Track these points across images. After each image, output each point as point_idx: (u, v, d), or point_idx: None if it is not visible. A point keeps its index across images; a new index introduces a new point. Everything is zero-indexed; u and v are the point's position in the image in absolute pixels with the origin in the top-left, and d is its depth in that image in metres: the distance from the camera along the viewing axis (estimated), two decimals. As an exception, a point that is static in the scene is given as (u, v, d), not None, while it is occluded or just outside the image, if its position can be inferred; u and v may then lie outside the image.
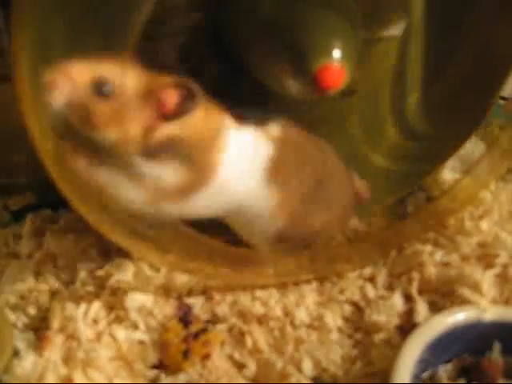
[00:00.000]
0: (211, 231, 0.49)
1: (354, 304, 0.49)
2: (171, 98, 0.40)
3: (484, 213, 0.54)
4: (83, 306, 0.48)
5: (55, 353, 0.45)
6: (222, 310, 0.48)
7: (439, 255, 0.50)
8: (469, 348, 0.42)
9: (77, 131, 0.40)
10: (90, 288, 0.49)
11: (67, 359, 0.45)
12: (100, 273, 0.50)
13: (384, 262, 0.51)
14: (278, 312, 0.48)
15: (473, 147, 0.58)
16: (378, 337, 0.45)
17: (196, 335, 0.46)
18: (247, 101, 0.45)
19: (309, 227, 0.49)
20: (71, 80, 0.39)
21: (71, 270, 0.51)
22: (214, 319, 0.48)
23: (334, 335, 0.46)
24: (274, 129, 0.46)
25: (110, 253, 0.52)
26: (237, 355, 0.46)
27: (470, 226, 0.53)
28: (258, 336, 0.46)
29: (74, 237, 0.54)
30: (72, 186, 0.41)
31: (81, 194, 0.41)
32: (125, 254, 0.49)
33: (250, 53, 0.48)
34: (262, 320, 0.48)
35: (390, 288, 0.49)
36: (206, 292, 0.50)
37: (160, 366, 0.45)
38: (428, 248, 0.51)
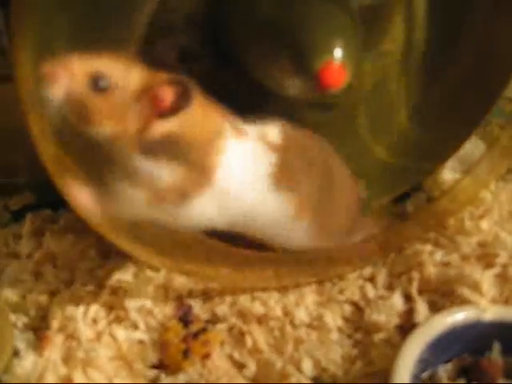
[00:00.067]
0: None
1: (354, 304, 0.49)
2: (167, 94, 0.40)
3: (484, 213, 0.54)
4: (83, 306, 0.48)
5: (55, 353, 0.45)
6: (222, 309, 0.48)
7: (439, 255, 0.50)
8: (469, 348, 0.42)
9: (77, 133, 0.40)
10: (90, 288, 0.49)
11: (67, 359, 0.45)
12: (100, 273, 0.50)
13: (384, 262, 0.51)
14: (278, 312, 0.48)
15: (473, 147, 0.58)
16: (378, 337, 0.45)
17: (196, 335, 0.46)
18: (246, 101, 0.45)
19: (337, 226, 0.50)
20: (70, 73, 0.39)
21: (71, 270, 0.51)
22: (214, 319, 0.48)
23: (334, 335, 0.46)
24: (274, 134, 0.45)
25: (109, 253, 0.52)
26: (237, 355, 0.46)
27: (470, 226, 0.53)
28: (258, 336, 0.46)
29: (73, 237, 0.54)
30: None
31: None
32: (125, 254, 0.49)
33: (250, 53, 0.48)
34: (261, 320, 0.48)
35: (390, 288, 0.49)
36: (206, 292, 0.50)
37: (160, 365, 0.45)
38: (428, 248, 0.51)
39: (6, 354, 0.44)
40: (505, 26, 0.53)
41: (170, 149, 0.41)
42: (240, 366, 0.45)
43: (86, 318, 0.47)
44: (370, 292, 0.49)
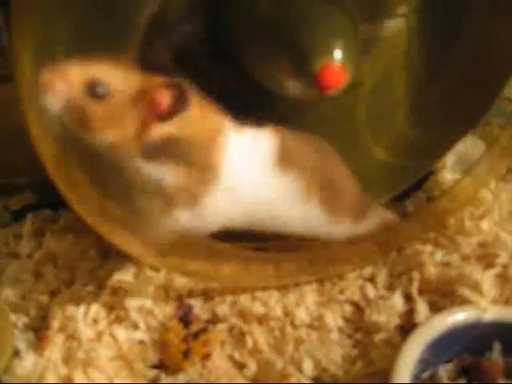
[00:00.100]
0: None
1: (354, 304, 0.49)
2: (164, 98, 0.40)
3: (484, 213, 0.54)
4: (83, 306, 0.48)
5: (55, 353, 0.45)
6: (222, 309, 0.48)
7: (439, 255, 0.50)
8: (469, 348, 0.42)
9: (79, 142, 0.40)
10: (91, 288, 0.49)
11: (67, 359, 0.45)
12: (100, 273, 0.50)
13: (384, 262, 0.51)
14: (278, 312, 0.48)
15: (473, 147, 0.58)
16: (378, 337, 0.45)
17: (196, 335, 0.46)
18: (246, 101, 0.45)
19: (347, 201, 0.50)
20: (67, 82, 0.39)
21: (71, 270, 0.51)
22: (215, 319, 0.48)
23: (334, 335, 0.46)
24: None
25: (109, 253, 0.52)
26: (237, 355, 0.46)
27: (470, 226, 0.53)
28: (258, 336, 0.46)
29: (74, 237, 0.54)
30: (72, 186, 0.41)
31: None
32: (125, 254, 0.49)
33: (250, 53, 0.48)
34: (262, 320, 0.48)
35: (390, 288, 0.49)
36: (206, 292, 0.50)
37: (160, 365, 0.45)
38: (428, 248, 0.51)
39: (6, 354, 0.44)
40: (503, 25, 0.53)
41: (172, 151, 0.41)
42: (240, 366, 0.45)
43: (87, 318, 0.47)
44: (371, 292, 0.49)
